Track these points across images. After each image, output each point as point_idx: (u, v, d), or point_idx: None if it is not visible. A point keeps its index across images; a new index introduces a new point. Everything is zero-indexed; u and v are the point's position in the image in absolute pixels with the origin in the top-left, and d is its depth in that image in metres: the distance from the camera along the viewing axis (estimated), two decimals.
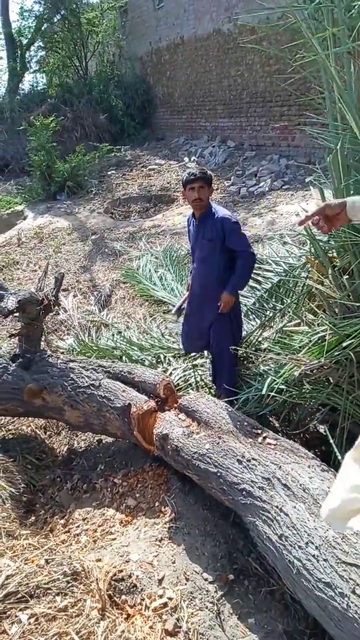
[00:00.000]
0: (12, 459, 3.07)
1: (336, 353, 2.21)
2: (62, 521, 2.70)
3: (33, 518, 2.76)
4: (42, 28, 16.20)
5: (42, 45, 17.00)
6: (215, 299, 2.95)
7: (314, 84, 2.43)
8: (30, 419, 3.62)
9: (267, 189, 8.87)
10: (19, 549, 2.12)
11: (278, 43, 2.29)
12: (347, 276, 2.36)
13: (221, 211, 2.92)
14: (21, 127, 11.56)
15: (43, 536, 2.46)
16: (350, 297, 2.32)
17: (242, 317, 3.24)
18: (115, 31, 16.25)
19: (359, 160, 2.14)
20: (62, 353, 4.03)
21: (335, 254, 2.53)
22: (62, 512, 2.80)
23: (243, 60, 10.89)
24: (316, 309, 2.60)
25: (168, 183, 10.73)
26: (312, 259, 2.63)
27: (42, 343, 3.64)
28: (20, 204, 11.06)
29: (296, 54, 2.18)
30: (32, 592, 1.81)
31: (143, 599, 2.04)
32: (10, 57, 16.80)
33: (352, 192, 2.24)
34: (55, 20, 15.89)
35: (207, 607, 2.07)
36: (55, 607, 1.80)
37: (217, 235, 2.87)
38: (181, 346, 3.44)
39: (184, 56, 13.47)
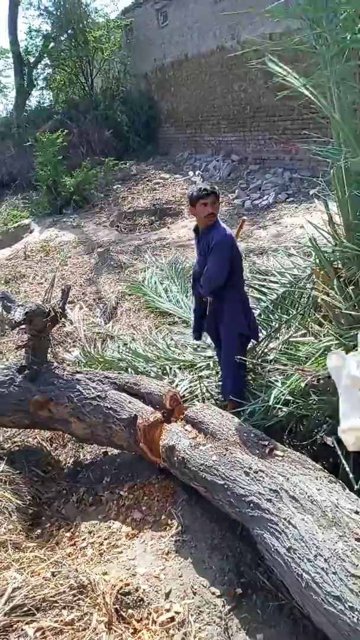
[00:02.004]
0: (18, 471, 3.07)
1: None
2: (68, 534, 2.68)
3: (39, 531, 2.74)
4: (50, 47, 16.54)
5: (49, 63, 17.34)
6: (214, 310, 3.00)
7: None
8: (36, 430, 3.62)
9: (271, 201, 8.93)
10: (26, 562, 2.11)
11: (280, 59, 2.33)
12: (352, 287, 2.36)
13: (219, 228, 2.92)
14: (28, 143, 11.75)
15: (49, 549, 2.44)
16: (356, 307, 2.32)
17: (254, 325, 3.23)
18: (120, 48, 16.55)
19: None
20: (69, 365, 4.04)
21: (340, 265, 2.54)
22: (68, 525, 2.78)
23: (247, 76, 11.04)
24: (322, 320, 2.61)
25: (173, 196, 10.82)
26: (318, 270, 2.64)
27: (48, 355, 3.65)
28: (26, 218, 11.19)
29: (298, 71, 2.23)
30: (39, 605, 1.79)
31: (150, 613, 2.02)
32: (18, 75, 17.15)
33: (355, 204, 2.26)
34: (62, 38, 16.23)
35: (214, 622, 2.05)
36: (62, 620, 1.79)
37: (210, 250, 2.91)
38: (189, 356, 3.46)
39: (188, 72, 13.69)
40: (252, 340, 3.20)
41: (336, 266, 2.55)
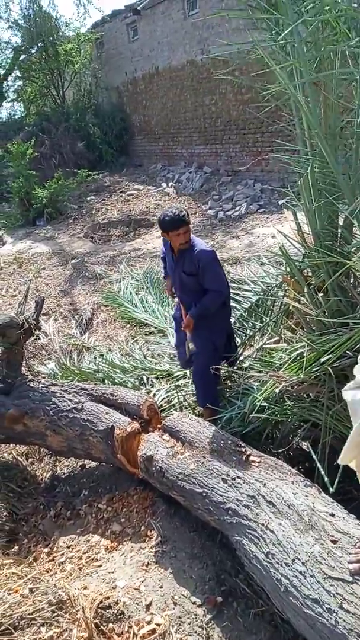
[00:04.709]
0: None
1: (315, 369, 2.26)
2: (46, 549, 2.63)
3: (16, 547, 2.68)
4: (20, 59, 16.51)
5: (20, 75, 17.28)
6: (202, 326, 2.99)
7: (285, 111, 2.56)
8: (11, 445, 3.55)
9: (243, 212, 9.08)
10: (2, 579, 2.06)
11: (249, 73, 2.41)
12: (322, 294, 2.43)
13: (199, 244, 2.95)
14: None
15: (27, 565, 2.39)
16: (326, 313, 2.39)
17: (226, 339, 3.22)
18: (91, 62, 16.65)
19: (328, 183, 2.24)
20: (44, 378, 3.99)
21: (310, 273, 2.61)
22: (46, 541, 2.73)
23: (217, 90, 11.27)
24: (294, 327, 2.66)
25: (147, 208, 10.88)
26: (289, 278, 2.71)
27: (23, 368, 3.60)
28: None
29: (266, 83, 2.29)
30: (16, 624, 1.75)
31: (131, 626, 2.00)
32: None
33: (322, 214, 2.34)
34: (33, 51, 16.22)
35: (196, 632, 2.04)
36: (40, 638, 1.75)
37: (196, 270, 2.93)
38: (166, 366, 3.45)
39: (159, 86, 13.87)
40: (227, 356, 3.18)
41: (306, 274, 2.62)
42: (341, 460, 1.63)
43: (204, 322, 3.00)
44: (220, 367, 2.87)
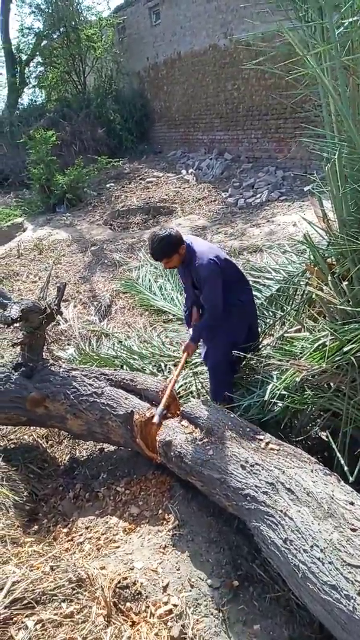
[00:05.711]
0: (14, 468, 3.07)
1: (337, 358, 2.23)
2: (65, 530, 2.69)
3: (36, 527, 2.75)
4: (42, 44, 16.48)
5: (41, 61, 17.27)
6: (219, 329, 2.97)
7: (311, 96, 2.50)
8: (31, 428, 3.62)
9: (264, 200, 8.96)
10: (24, 556, 2.12)
11: (273, 58, 2.35)
12: (346, 282, 2.39)
13: (199, 256, 2.80)
14: (21, 141, 11.71)
15: (47, 544, 2.45)
16: (350, 302, 2.35)
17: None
18: (113, 47, 16.52)
19: (356, 169, 2.19)
20: (64, 362, 4.04)
21: (334, 261, 2.57)
22: (65, 521, 2.79)
23: (239, 75, 11.07)
24: (316, 315, 2.63)
25: (166, 195, 10.83)
26: (312, 266, 2.67)
27: (44, 353, 3.65)
28: (19, 217, 11.14)
29: (292, 68, 2.24)
30: (38, 598, 1.81)
31: (148, 606, 2.04)
32: (10, 73, 17.10)
33: (349, 200, 2.29)
34: (55, 36, 16.16)
35: (212, 614, 2.07)
36: (62, 613, 1.80)
37: (198, 282, 2.89)
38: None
39: (181, 71, 13.70)
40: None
41: (330, 262, 2.58)
42: None
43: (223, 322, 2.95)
44: (240, 353, 2.83)
